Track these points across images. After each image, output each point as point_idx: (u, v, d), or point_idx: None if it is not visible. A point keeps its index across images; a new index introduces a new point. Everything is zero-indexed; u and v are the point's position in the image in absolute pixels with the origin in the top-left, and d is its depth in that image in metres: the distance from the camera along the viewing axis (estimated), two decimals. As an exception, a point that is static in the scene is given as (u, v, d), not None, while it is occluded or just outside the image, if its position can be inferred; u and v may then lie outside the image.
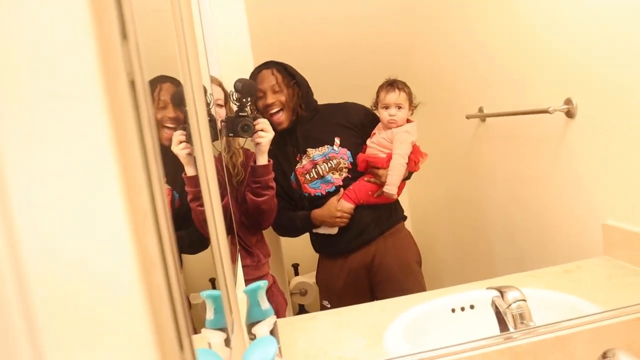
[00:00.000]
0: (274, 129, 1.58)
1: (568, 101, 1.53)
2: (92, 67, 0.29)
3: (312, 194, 1.78)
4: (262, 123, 1.47)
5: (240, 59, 1.78)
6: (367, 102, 1.84)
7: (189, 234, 0.75)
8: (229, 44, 1.75)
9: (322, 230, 1.80)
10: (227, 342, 0.75)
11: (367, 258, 1.80)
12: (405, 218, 1.92)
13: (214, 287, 0.81)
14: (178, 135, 0.71)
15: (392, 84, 1.77)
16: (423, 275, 1.85)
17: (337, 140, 1.78)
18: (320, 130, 1.79)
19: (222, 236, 0.88)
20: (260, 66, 1.74)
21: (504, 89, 1.86)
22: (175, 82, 0.72)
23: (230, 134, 1.45)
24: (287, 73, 1.74)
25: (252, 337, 0.95)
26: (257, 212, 1.53)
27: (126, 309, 0.34)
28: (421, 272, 1.85)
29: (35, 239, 0.29)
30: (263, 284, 1.01)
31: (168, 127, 0.69)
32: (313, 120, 1.80)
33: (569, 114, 1.54)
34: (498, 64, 1.87)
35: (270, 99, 1.70)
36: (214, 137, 1.10)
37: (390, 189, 1.71)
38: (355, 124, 1.82)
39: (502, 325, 1.07)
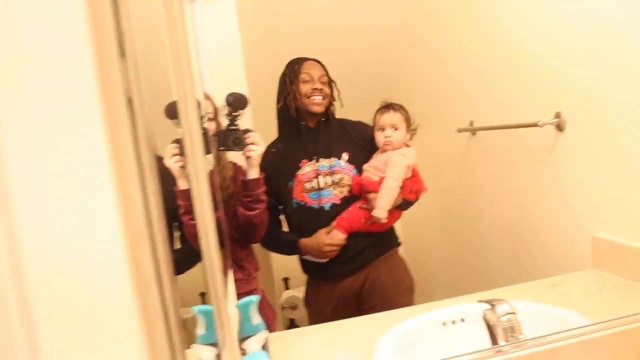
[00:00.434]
0: (303, 116, 1.72)
1: (557, 115, 1.55)
2: (90, 84, 0.30)
3: (308, 205, 1.73)
4: (253, 136, 1.47)
5: (232, 74, 1.79)
6: (358, 118, 1.85)
7: (184, 251, 0.75)
8: (221, 58, 1.76)
9: (310, 258, 1.78)
10: (219, 357, 0.75)
11: (357, 284, 1.77)
12: (399, 244, 1.88)
13: (204, 301, 0.81)
14: (171, 149, 0.71)
15: (387, 106, 1.74)
16: (414, 302, 1.80)
17: (345, 155, 1.75)
18: (333, 141, 1.78)
19: (214, 250, 0.88)
20: (303, 57, 1.78)
21: (495, 102, 1.88)
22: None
23: (222, 148, 1.45)
24: (329, 75, 1.78)
25: (243, 352, 0.95)
26: (249, 226, 1.52)
27: (120, 325, 0.34)
28: (412, 299, 1.82)
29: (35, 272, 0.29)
30: (255, 298, 1.01)
31: None
32: (329, 128, 1.80)
33: (559, 127, 1.56)
34: (489, 78, 1.89)
35: (318, 85, 1.73)
36: (206, 150, 1.10)
37: (379, 212, 1.66)
38: (367, 144, 1.79)
39: (493, 338, 1.07)
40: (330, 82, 1.77)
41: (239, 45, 1.81)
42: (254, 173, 1.49)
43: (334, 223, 1.72)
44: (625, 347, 1.04)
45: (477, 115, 2.00)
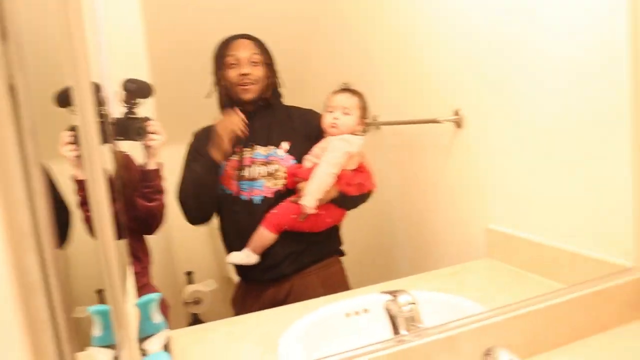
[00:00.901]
0: (237, 102, 1.55)
1: (456, 112, 1.62)
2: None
3: (235, 194, 1.57)
4: (154, 125, 1.38)
5: (134, 60, 1.70)
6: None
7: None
8: (122, 44, 1.67)
9: (237, 260, 1.57)
10: None
11: (281, 295, 1.60)
12: (341, 253, 1.70)
13: (101, 300, 0.77)
14: (65, 137, 0.66)
15: (345, 88, 1.59)
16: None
17: (285, 145, 1.58)
18: (273, 128, 1.60)
19: (111, 244, 0.83)
20: (236, 35, 1.59)
21: (398, 98, 1.93)
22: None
23: (120, 138, 1.37)
24: (266, 50, 1.59)
25: (143, 353, 0.91)
26: (149, 217, 1.46)
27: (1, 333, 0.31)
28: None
29: None
30: (156, 296, 0.97)
31: None
32: (272, 114, 1.61)
33: (457, 124, 1.63)
34: (393, 74, 1.94)
35: (246, 69, 1.54)
36: (105, 139, 1.04)
37: (306, 199, 1.47)
38: (314, 135, 1.60)
39: (395, 328, 1.10)
40: (266, 62, 1.58)
41: (141, 29, 1.72)
42: (153, 163, 1.42)
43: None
44: (515, 331, 1.11)
45: (381, 109, 2.04)
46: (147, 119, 1.39)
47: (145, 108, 1.38)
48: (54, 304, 0.35)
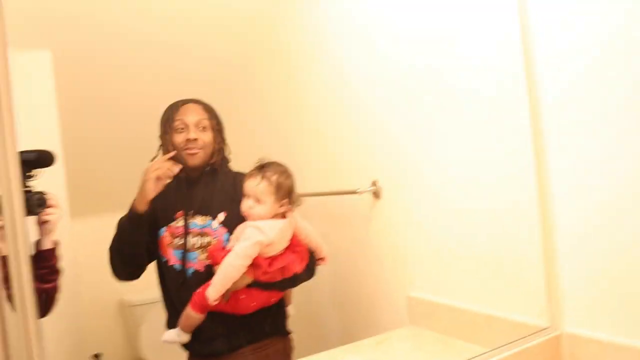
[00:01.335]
0: (182, 168, 1.46)
1: (374, 183, 1.69)
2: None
3: (170, 263, 1.49)
4: (52, 198, 1.25)
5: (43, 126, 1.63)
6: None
7: None
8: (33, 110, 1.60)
9: (169, 339, 1.47)
10: None
11: None
12: (285, 333, 1.60)
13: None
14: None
15: (258, 169, 1.47)
16: None
17: (221, 216, 1.50)
18: (214, 197, 1.53)
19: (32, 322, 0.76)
20: (185, 99, 1.55)
21: (319, 170, 1.98)
22: None
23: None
24: (215, 116, 1.57)
25: None
26: (45, 299, 1.33)
27: None
28: None
29: None
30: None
31: None
32: (216, 181, 1.55)
33: (376, 195, 1.69)
34: (314, 146, 2.00)
35: (193, 133, 1.49)
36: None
37: (209, 291, 1.36)
38: None
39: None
40: (214, 127, 1.55)
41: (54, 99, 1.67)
42: (49, 241, 1.28)
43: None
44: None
45: (301, 180, 2.06)
46: (43, 193, 1.27)
47: (52, 178, 1.28)
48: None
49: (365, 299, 1.79)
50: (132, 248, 1.50)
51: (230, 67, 2.23)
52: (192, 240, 1.49)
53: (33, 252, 1.27)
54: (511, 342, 1.26)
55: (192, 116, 1.52)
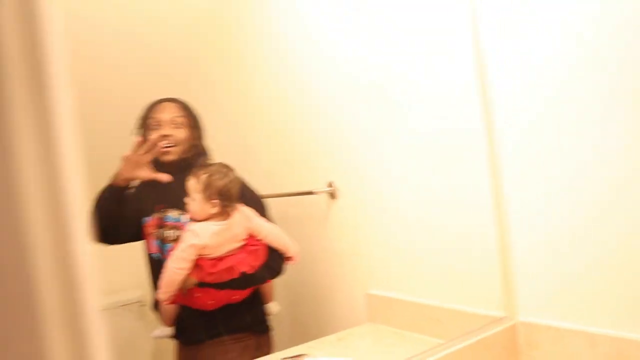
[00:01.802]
0: (158, 161, 1.49)
1: (330, 184, 1.72)
2: None
3: (149, 251, 1.54)
4: None
5: None
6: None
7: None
8: None
9: (157, 335, 1.54)
10: None
11: (198, 358, 1.55)
12: (263, 330, 1.62)
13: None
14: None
15: (199, 167, 1.49)
16: None
17: None
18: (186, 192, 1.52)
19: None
20: (162, 98, 1.59)
21: (276, 172, 1.98)
22: None
23: None
24: (190, 113, 1.60)
25: None
26: None
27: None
28: None
29: None
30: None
31: None
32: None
33: (332, 195, 1.72)
34: (270, 148, 2.01)
35: (167, 130, 1.54)
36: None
37: (158, 293, 1.42)
38: None
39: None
40: (189, 124, 1.58)
41: None
42: None
43: None
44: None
45: (259, 183, 2.06)
46: None
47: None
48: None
49: (325, 297, 1.81)
50: (106, 212, 1.46)
51: (183, 67, 2.20)
52: (168, 233, 1.53)
53: None
54: (468, 333, 1.31)
55: (165, 113, 1.57)
